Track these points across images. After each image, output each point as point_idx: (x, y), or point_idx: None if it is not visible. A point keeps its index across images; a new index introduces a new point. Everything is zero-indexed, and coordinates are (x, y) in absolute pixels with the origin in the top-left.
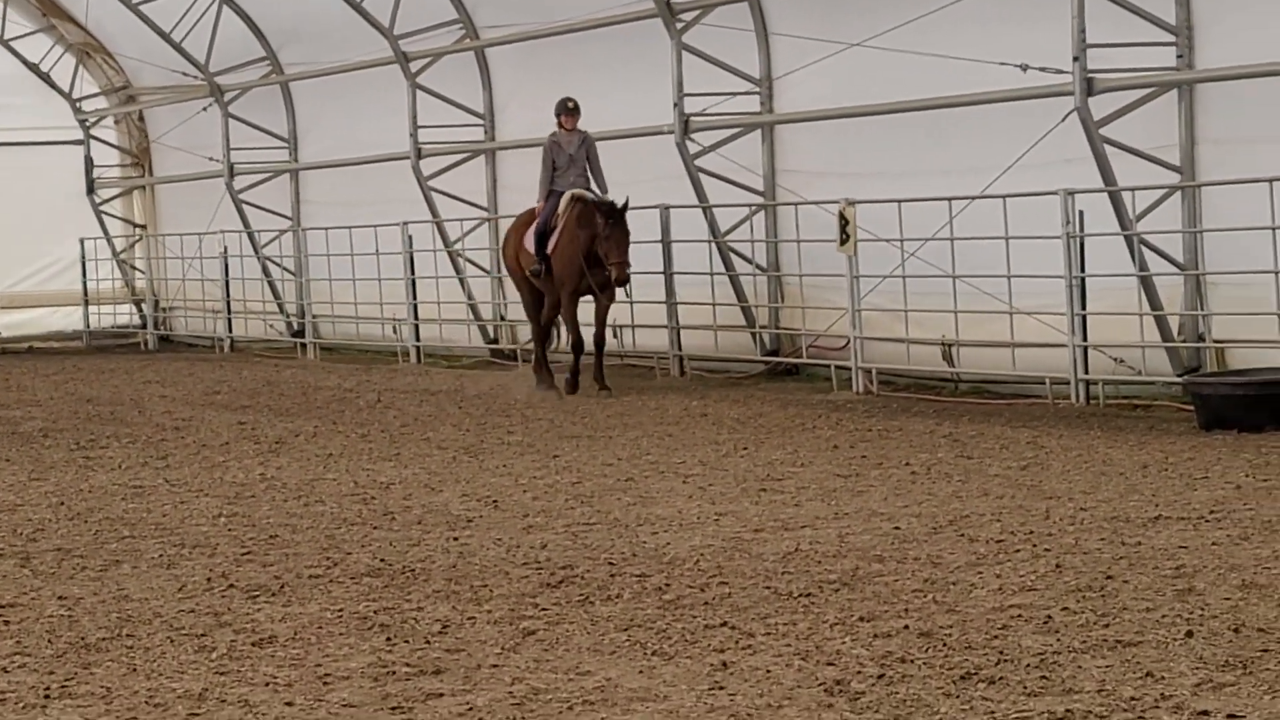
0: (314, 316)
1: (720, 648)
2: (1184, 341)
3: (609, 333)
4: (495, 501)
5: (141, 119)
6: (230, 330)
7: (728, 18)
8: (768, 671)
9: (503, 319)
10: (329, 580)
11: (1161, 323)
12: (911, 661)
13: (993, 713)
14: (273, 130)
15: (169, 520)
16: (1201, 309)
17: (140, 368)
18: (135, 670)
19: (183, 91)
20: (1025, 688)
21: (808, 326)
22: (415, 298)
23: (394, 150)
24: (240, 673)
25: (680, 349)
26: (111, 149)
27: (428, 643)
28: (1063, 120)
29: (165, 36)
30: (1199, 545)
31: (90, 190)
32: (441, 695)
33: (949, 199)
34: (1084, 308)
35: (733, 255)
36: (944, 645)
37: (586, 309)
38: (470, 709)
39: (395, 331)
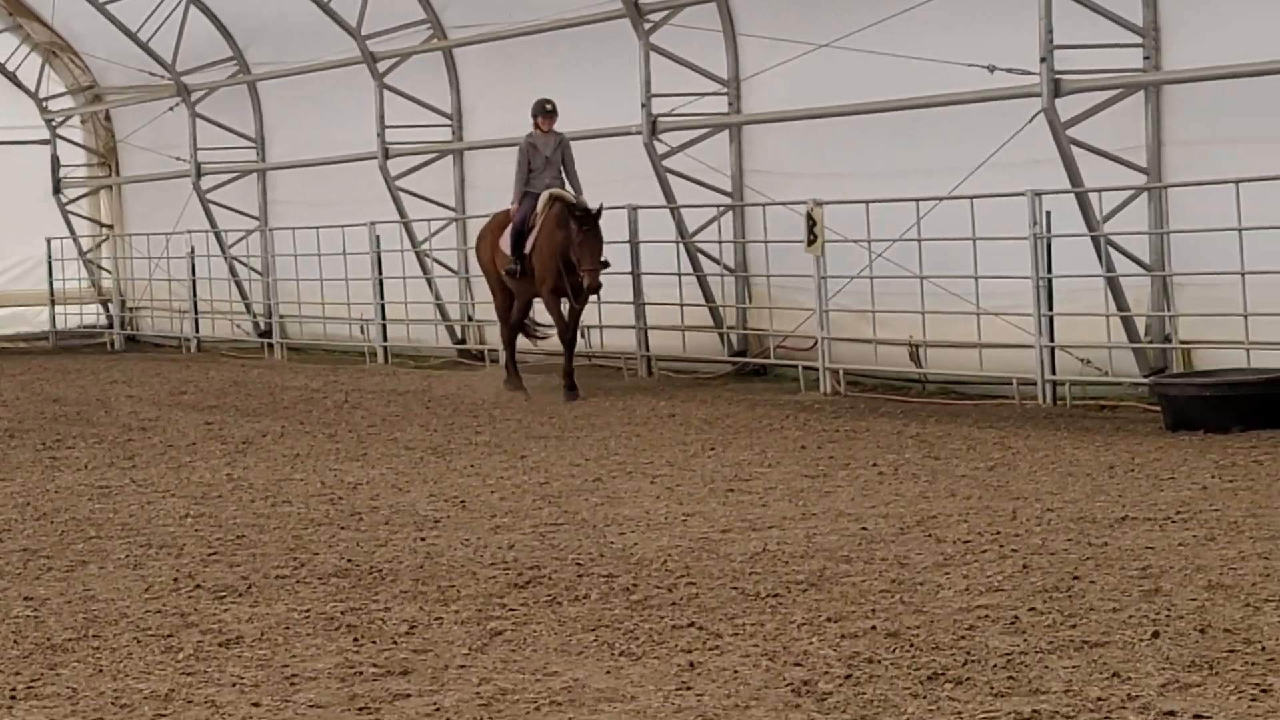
0: (281, 317)
1: (688, 648)
2: (1150, 342)
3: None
4: (463, 502)
5: (108, 118)
6: (197, 330)
7: (696, 18)
8: (735, 672)
9: (470, 319)
10: (296, 581)
11: (1128, 323)
12: (879, 662)
13: (959, 713)
14: (240, 130)
15: (135, 521)
16: (1168, 310)
17: (107, 368)
18: (101, 671)
19: (149, 91)
20: (992, 688)
21: (775, 327)
22: (382, 298)
23: (361, 150)
24: (207, 673)
25: (648, 349)
26: (78, 149)
27: (395, 643)
28: (1030, 121)
29: (132, 36)
30: (1165, 546)
31: (56, 190)
32: (409, 696)
33: (916, 200)
34: (1051, 308)
35: (700, 256)
36: (911, 646)
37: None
38: (437, 709)
39: (363, 332)
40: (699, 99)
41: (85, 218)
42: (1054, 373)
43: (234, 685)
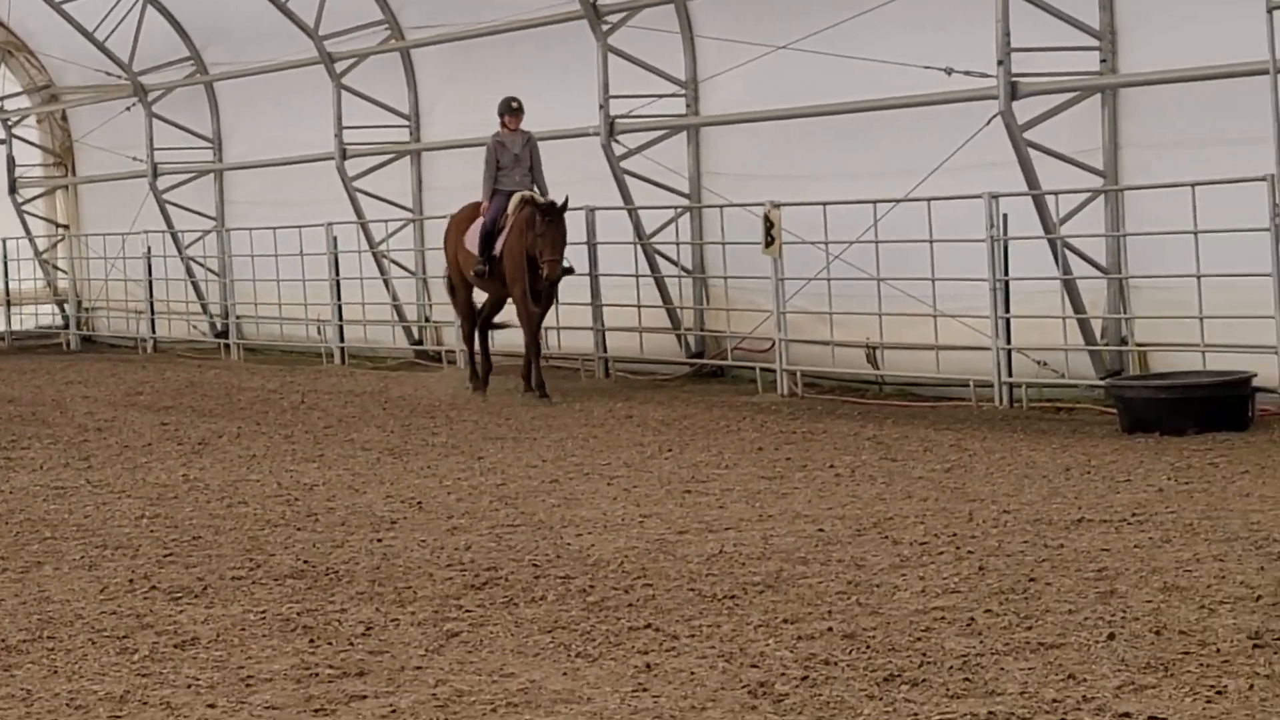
0: (238, 317)
1: (644, 650)
2: (1106, 345)
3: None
4: (419, 503)
5: (64, 118)
6: (153, 331)
7: (654, 20)
8: (691, 673)
9: (427, 320)
10: (252, 582)
11: (1084, 326)
12: (835, 663)
13: (915, 715)
14: (197, 130)
15: (91, 522)
16: (1124, 312)
17: (62, 368)
18: (56, 672)
19: (106, 91)
20: (948, 690)
21: (733, 329)
22: (339, 299)
23: (319, 151)
24: (162, 675)
25: (605, 351)
26: (34, 148)
27: (351, 644)
28: (987, 124)
29: (88, 36)
30: (1121, 548)
31: (12, 190)
32: (365, 697)
33: (874, 202)
34: (1008, 311)
35: (658, 257)
36: (867, 647)
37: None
38: (393, 711)
39: (319, 332)
40: (657, 100)
41: (41, 218)
42: (1010, 375)
43: (189, 687)
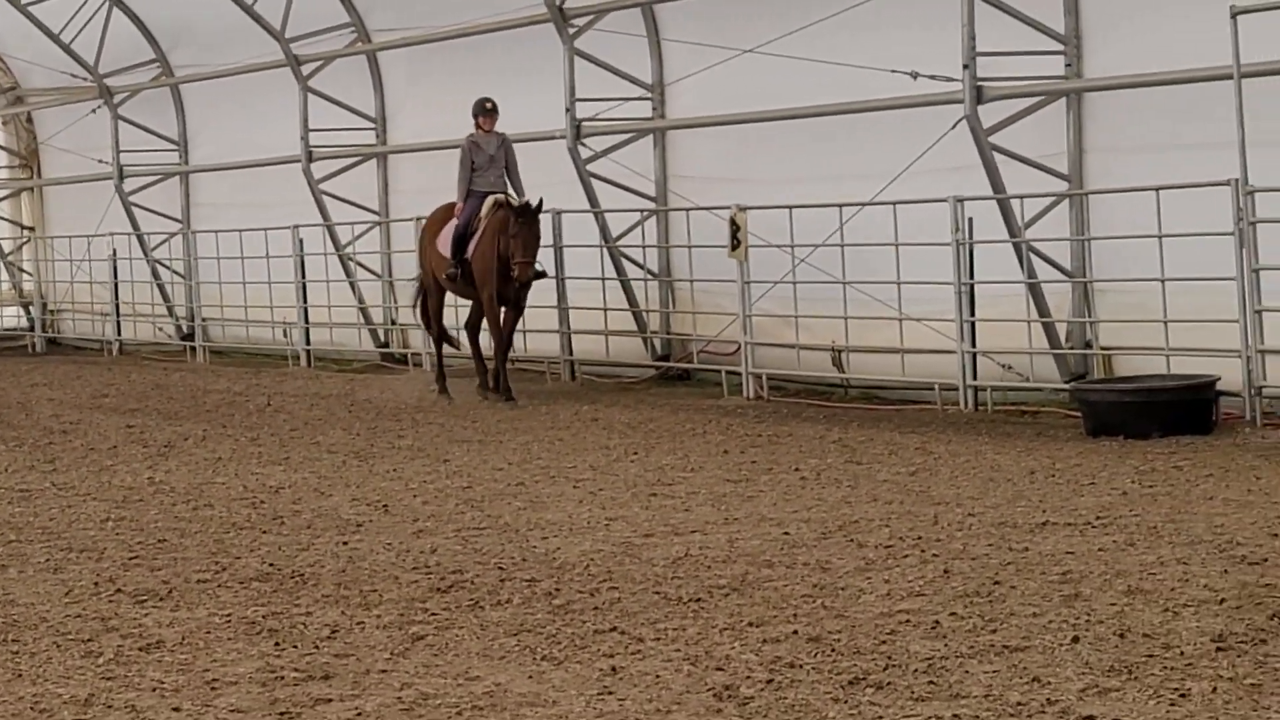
0: (204, 320)
1: (610, 653)
2: (1071, 348)
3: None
4: (385, 506)
5: (30, 120)
6: (119, 333)
7: (620, 23)
8: (657, 676)
9: (394, 323)
10: (217, 585)
11: (1049, 329)
12: (800, 666)
13: (880, 717)
14: (163, 133)
15: (56, 524)
16: (1089, 316)
17: (28, 370)
18: (20, 675)
19: (72, 93)
20: (913, 693)
21: (698, 332)
22: (306, 301)
23: (285, 153)
24: (127, 678)
25: (571, 354)
26: None
27: (316, 647)
28: (952, 128)
29: (54, 37)
30: (1085, 551)
31: None
32: (330, 700)
33: (839, 205)
34: (973, 314)
35: (624, 260)
36: (832, 650)
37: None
38: (359, 714)
39: (285, 335)
40: (623, 104)
41: (6, 220)
42: (975, 378)
43: (154, 690)
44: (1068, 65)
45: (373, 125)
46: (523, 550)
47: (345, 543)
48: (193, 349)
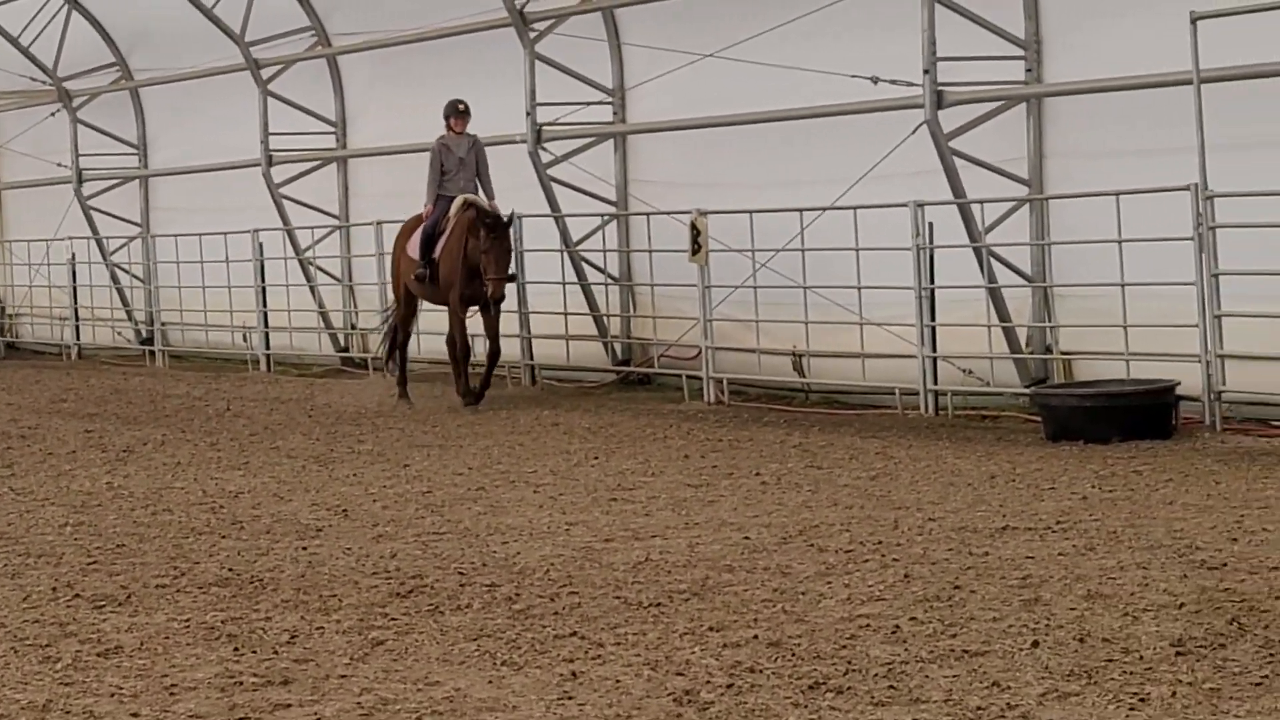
0: (163, 324)
1: (570, 657)
2: (1031, 353)
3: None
4: (345, 510)
5: None
6: (78, 338)
7: (581, 28)
8: (617, 681)
9: (353, 327)
10: (176, 590)
11: (1009, 334)
12: (760, 671)
13: None
14: (122, 136)
15: (14, 529)
16: (1049, 321)
17: None
18: None
19: (30, 96)
20: (873, 697)
21: (659, 336)
22: (265, 305)
23: (245, 157)
24: (85, 684)
25: (532, 358)
26: None
27: (275, 653)
28: (913, 133)
29: (13, 41)
30: (1045, 556)
31: None
32: (289, 706)
33: (800, 210)
34: (933, 319)
35: (585, 265)
36: (793, 655)
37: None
38: (318, 719)
39: (245, 339)
40: (584, 108)
41: None
42: (936, 383)
43: (113, 695)
44: (1028, 70)
45: (333, 129)
46: (483, 555)
47: (304, 548)
48: (152, 353)
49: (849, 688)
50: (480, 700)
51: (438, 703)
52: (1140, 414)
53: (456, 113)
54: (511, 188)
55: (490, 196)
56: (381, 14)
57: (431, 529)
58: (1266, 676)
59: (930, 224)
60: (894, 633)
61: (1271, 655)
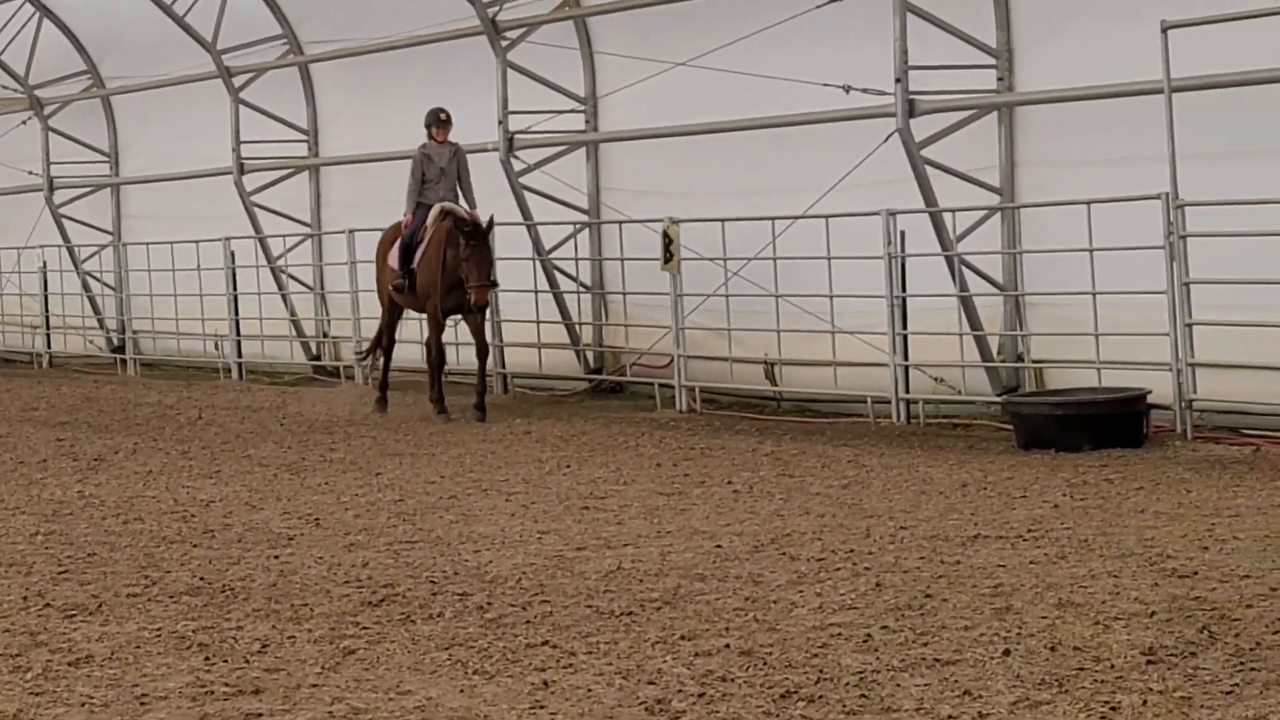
0: (134, 332)
1: (542, 666)
2: (1003, 361)
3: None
4: (316, 519)
5: None
6: (49, 346)
7: (553, 36)
8: (589, 690)
9: (325, 335)
10: (147, 599)
11: (981, 342)
12: (732, 680)
13: None
14: (93, 144)
15: None
16: (1020, 329)
17: None
18: None
19: (1, 104)
20: (845, 706)
21: (631, 345)
22: (237, 313)
23: (216, 165)
24: (56, 693)
25: (504, 366)
26: None
27: (247, 662)
28: (885, 141)
29: None
30: (1017, 564)
31: None
32: (260, 715)
33: (772, 218)
34: (905, 327)
35: (557, 273)
36: (764, 664)
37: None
38: None
39: (217, 347)
40: (556, 116)
41: None
42: (908, 391)
43: (83, 705)
44: (999, 79)
45: (305, 137)
46: (455, 564)
47: (276, 556)
48: (123, 361)
49: (820, 696)
50: (452, 709)
51: (409, 712)
52: (1111, 422)
53: (438, 121)
54: (484, 196)
55: (472, 205)
56: (353, 22)
57: (403, 537)
58: (1237, 684)
59: (902, 232)
60: (865, 641)
61: (1242, 663)
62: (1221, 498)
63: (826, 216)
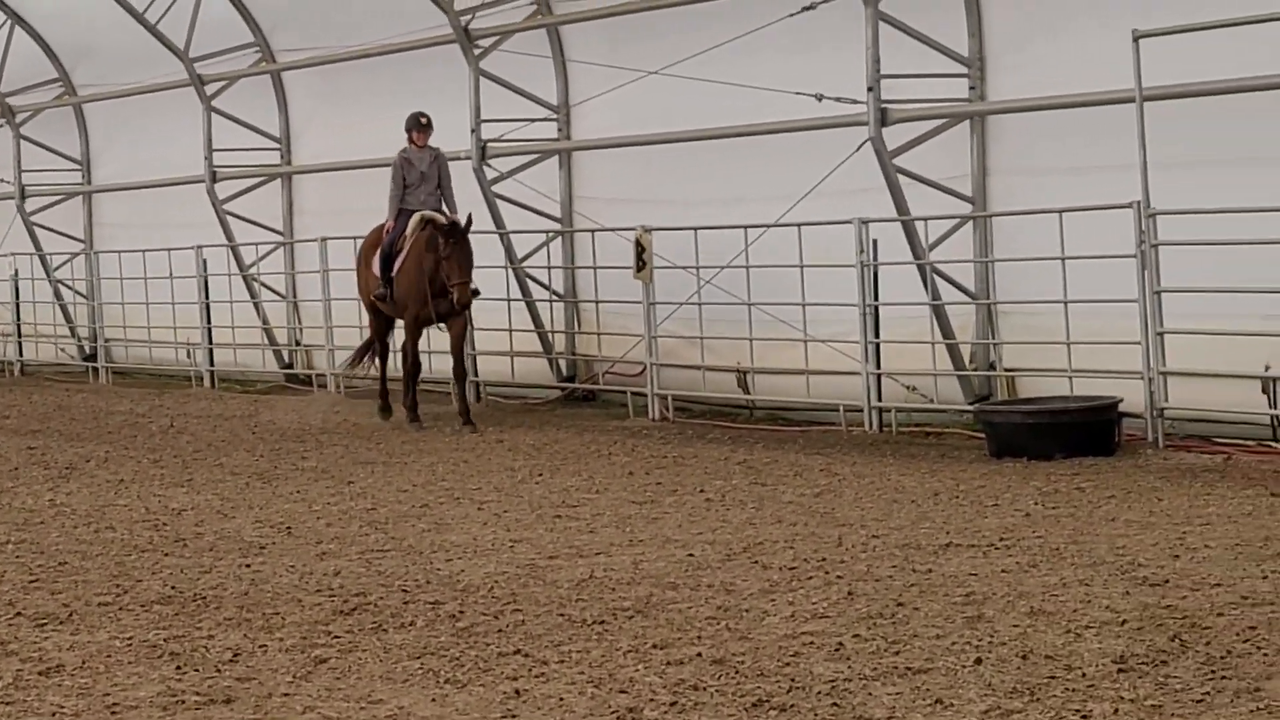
0: (106, 340)
1: (513, 675)
2: (975, 370)
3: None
4: (288, 528)
5: None
6: (20, 354)
7: (526, 44)
8: (561, 699)
9: (298, 344)
10: (119, 608)
11: (953, 351)
12: (704, 689)
13: None
14: (65, 152)
15: None
16: (992, 338)
17: None
18: None
19: None
20: (816, 715)
21: (604, 353)
22: (209, 322)
23: (189, 173)
24: (26, 703)
25: (476, 375)
26: None
27: (218, 671)
28: (857, 150)
29: None
30: (989, 572)
31: None
32: None
33: (745, 227)
34: (877, 336)
35: (529, 281)
36: (736, 673)
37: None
38: None
39: (189, 356)
40: (528, 125)
41: None
42: (880, 399)
43: (54, 714)
44: (971, 88)
45: (277, 145)
46: (427, 572)
47: (248, 565)
48: (95, 370)
49: (792, 705)
50: (423, 718)
51: None
52: (1083, 431)
53: (418, 126)
54: (458, 204)
55: (452, 210)
56: (326, 31)
57: (375, 546)
58: (1208, 693)
59: (874, 241)
60: (837, 650)
61: (1213, 672)
62: (1193, 506)
63: (799, 225)
